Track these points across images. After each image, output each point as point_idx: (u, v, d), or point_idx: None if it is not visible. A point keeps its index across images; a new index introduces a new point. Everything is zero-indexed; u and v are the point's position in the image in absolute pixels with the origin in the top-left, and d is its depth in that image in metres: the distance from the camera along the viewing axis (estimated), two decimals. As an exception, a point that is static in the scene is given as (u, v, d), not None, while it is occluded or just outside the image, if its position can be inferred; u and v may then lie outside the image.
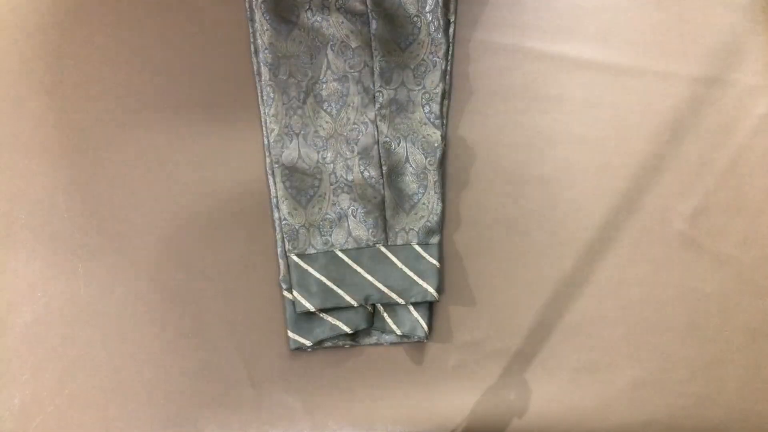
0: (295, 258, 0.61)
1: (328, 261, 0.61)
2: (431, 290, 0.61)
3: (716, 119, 0.65)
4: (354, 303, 0.60)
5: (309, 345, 0.60)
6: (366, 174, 0.62)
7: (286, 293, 0.61)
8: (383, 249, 0.62)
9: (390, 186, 0.62)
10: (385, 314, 0.62)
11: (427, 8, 0.64)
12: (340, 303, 0.60)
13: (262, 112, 0.64)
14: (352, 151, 0.63)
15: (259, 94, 0.64)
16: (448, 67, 0.65)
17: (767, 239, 0.64)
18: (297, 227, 0.62)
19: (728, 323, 0.62)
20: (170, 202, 0.62)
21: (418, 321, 0.61)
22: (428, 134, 0.64)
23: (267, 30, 0.63)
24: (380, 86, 0.63)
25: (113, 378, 0.60)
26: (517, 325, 0.62)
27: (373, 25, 0.63)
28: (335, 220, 0.62)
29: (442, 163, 0.64)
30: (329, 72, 0.64)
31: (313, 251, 0.61)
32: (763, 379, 0.62)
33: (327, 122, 0.63)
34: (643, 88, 0.65)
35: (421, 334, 0.61)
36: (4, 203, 0.62)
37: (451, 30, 0.65)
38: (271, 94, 0.63)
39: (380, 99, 0.63)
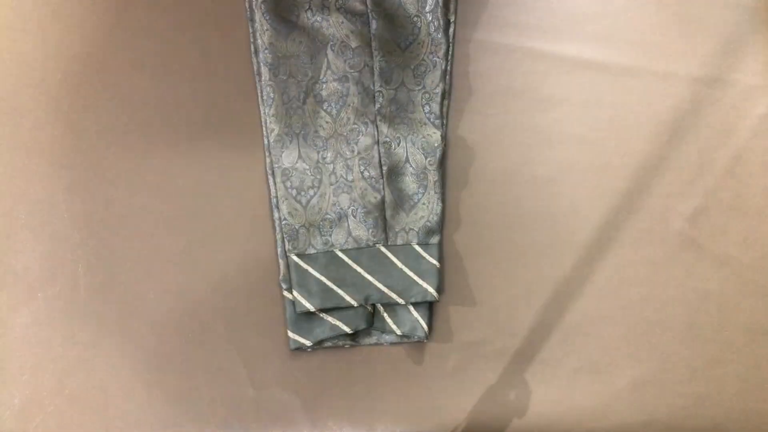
0: (295, 258, 0.61)
1: (328, 261, 0.61)
2: (431, 290, 0.61)
3: (716, 119, 0.65)
4: (354, 303, 0.60)
5: (309, 345, 0.60)
6: (366, 174, 0.62)
7: (286, 293, 0.61)
8: (383, 249, 0.62)
9: (390, 186, 0.62)
10: (385, 314, 0.62)
11: (427, 8, 0.64)
12: (340, 303, 0.60)
13: (262, 112, 0.64)
14: (352, 151, 0.63)
15: (259, 94, 0.64)
16: (448, 67, 0.65)
17: (767, 239, 0.64)
18: (297, 227, 0.62)
19: (728, 323, 0.62)
20: (170, 202, 0.62)
21: (418, 321, 0.61)
22: (428, 134, 0.64)
23: (267, 30, 0.63)
24: (380, 86, 0.63)
25: (113, 378, 0.60)
26: (517, 325, 0.62)
27: (373, 25, 0.63)
28: (335, 220, 0.62)
29: (442, 163, 0.64)
30: (329, 72, 0.64)
31: (313, 251, 0.61)
32: (763, 379, 0.62)
33: (327, 122, 0.63)
34: (643, 88, 0.65)
35: (421, 334, 0.61)
36: (4, 203, 0.62)
37: (451, 30, 0.65)
38: (271, 94, 0.63)
39: (380, 99, 0.63)
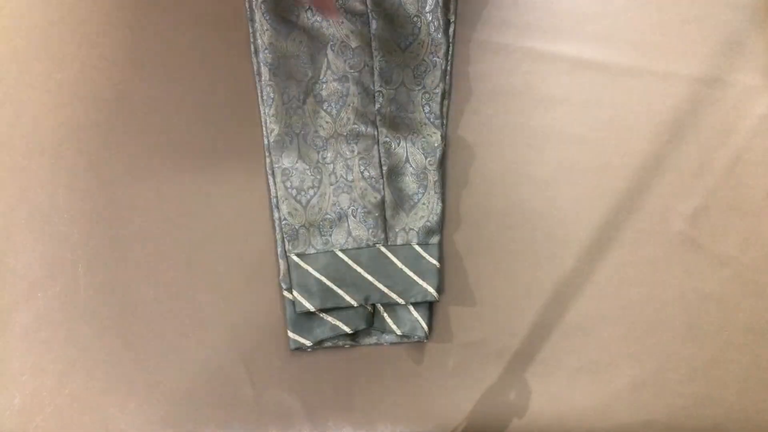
0: (295, 258, 0.61)
1: (328, 261, 0.61)
2: (431, 290, 0.61)
3: (716, 119, 0.65)
4: (354, 303, 0.60)
5: (309, 345, 0.60)
6: (366, 174, 0.62)
7: (286, 293, 0.61)
8: (383, 249, 0.62)
9: (390, 186, 0.62)
10: (385, 314, 0.62)
11: (427, 8, 0.64)
12: (340, 303, 0.60)
13: (262, 112, 0.64)
14: (352, 151, 0.63)
15: (259, 94, 0.64)
16: (448, 67, 0.65)
17: (767, 239, 0.64)
18: (297, 227, 0.62)
19: (728, 323, 0.62)
20: (170, 201, 0.62)
21: (418, 321, 0.61)
22: (428, 134, 0.64)
23: (267, 30, 0.63)
24: (380, 86, 0.63)
25: (113, 378, 0.60)
26: (517, 325, 0.62)
27: (373, 25, 0.63)
28: (335, 220, 0.62)
29: (442, 163, 0.64)
30: (329, 72, 0.64)
31: (313, 251, 0.62)
32: (763, 379, 0.62)
33: (327, 122, 0.63)
34: (643, 88, 0.65)
35: (421, 334, 0.61)
36: (4, 203, 0.62)
37: (451, 30, 0.65)
38: (271, 94, 0.63)
39: (380, 99, 0.63)
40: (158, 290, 0.61)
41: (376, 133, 0.63)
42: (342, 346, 0.62)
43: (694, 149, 0.65)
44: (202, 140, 0.63)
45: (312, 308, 0.60)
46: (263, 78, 0.63)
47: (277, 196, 0.62)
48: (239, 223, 0.63)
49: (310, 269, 0.61)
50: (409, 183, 0.63)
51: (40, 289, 0.61)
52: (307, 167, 0.63)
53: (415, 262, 0.61)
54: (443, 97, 0.64)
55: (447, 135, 0.65)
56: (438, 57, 0.64)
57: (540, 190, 0.64)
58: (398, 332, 0.61)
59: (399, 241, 0.62)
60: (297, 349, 0.61)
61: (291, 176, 0.62)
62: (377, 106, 0.63)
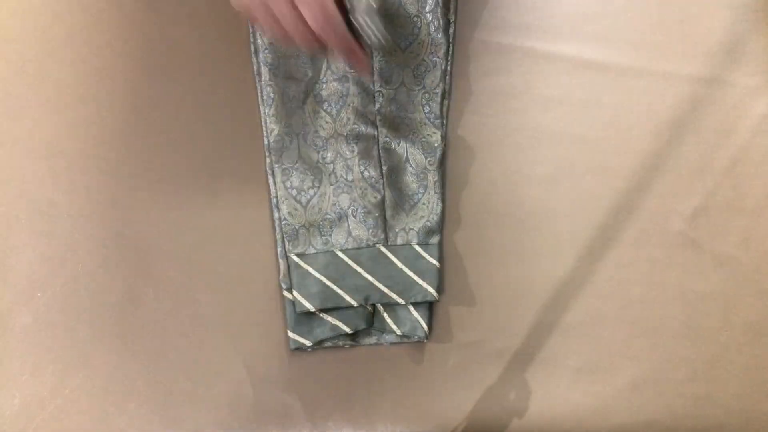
0: (295, 258, 0.61)
1: (328, 261, 0.61)
2: (431, 290, 0.61)
3: (716, 119, 0.65)
4: (354, 303, 0.60)
5: (309, 345, 0.60)
6: (366, 174, 0.62)
7: (286, 293, 0.61)
8: (383, 249, 0.62)
9: (390, 186, 0.62)
10: (385, 314, 0.62)
11: (427, 8, 0.64)
12: (340, 303, 0.60)
13: (262, 112, 0.64)
14: (352, 151, 0.63)
15: (259, 94, 0.64)
16: (448, 67, 0.65)
17: (767, 239, 0.64)
18: (297, 227, 0.62)
19: (728, 323, 0.62)
20: (170, 201, 0.62)
21: (418, 321, 0.61)
22: (428, 134, 0.64)
23: (267, 30, 0.63)
24: (380, 86, 0.63)
25: (113, 378, 0.60)
26: (517, 325, 0.62)
27: (373, 25, 0.63)
28: (335, 220, 0.62)
29: (442, 163, 0.64)
30: (329, 72, 0.64)
31: (313, 251, 0.62)
32: (763, 379, 0.62)
33: (327, 122, 0.63)
34: (643, 88, 0.65)
35: (421, 334, 0.61)
36: (4, 203, 0.62)
37: (451, 30, 0.65)
38: (271, 94, 0.63)
39: (380, 99, 0.63)
40: (158, 290, 0.61)
41: (376, 133, 0.63)
42: (342, 346, 0.62)
43: (694, 149, 0.65)
44: (202, 140, 0.63)
45: (312, 308, 0.60)
46: (263, 78, 0.63)
47: (277, 196, 0.62)
48: (239, 223, 0.63)
49: (310, 269, 0.61)
50: (409, 183, 0.63)
51: (40, 289, 0.61)
52: (307, 167, 0.63)
53: (415, 262, 0.61)
54: (443, 97, 0.65)
55: (447, 135, 0.65)
56: (438, 57, 0.64)
57: (540, 190, 0.64)
58: (398, 332, 0.61)
59: (399, 241, 0.62)
60: (297, 349, 0.61)
61: (291, 176, 0.62)
62: (377, 106, 0.63)
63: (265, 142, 0.63)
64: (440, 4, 0.64)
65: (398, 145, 0.63)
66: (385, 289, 0.61)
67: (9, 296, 0.60)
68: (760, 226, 0.64)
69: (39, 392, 0.59)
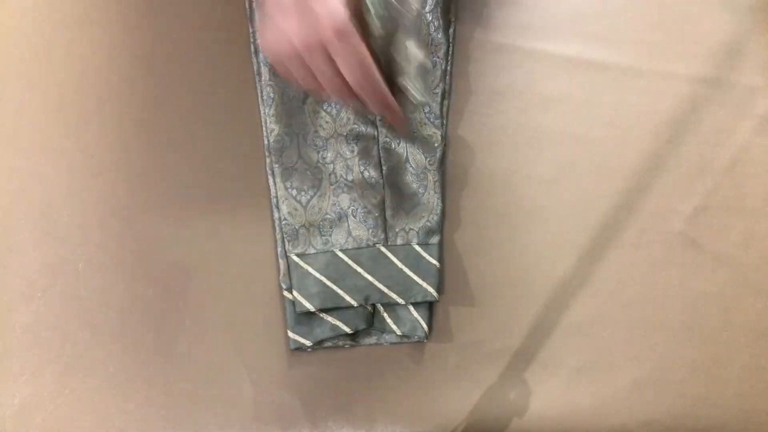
0: (295, 258, 0.61)
1: (328, 261, 0.61)
2: (431, 290, 0.61)
3: (716, 119, 0.65)
4: (354, 303, 0.60)
5: (309, 345, 0.60)
6: (366, 174, 0.62)
7: (286, 293, 0.61)
8: (383, 249, 0.62)
9: (390, 186, 0.62)
10: (385, 314, 0.62)
11: (427, 8, 0.64)
12: (340, 303, 0.60)
13: (262, 112, 0.64)
14: (352, 151, 0.63)
15: (259, 94, 0.64)
16: (448, 67, 0.65)
17: (767, 239, 0.64)
18: (297, 227, 0.62)
19: (728, 323, 0.62)
20: (170, 201, 0.62)
21: (418, 321, 0.61)
22: (428, 134, 0.64)
23: (267, 30, 0.63)
24: (380, 86, 0.63)
25: (113, 378, 0.60)
26: (517, 325, 0.62)
27: (373, 25, 0.63)
28: (335, 220, 0.62)
29: (442, 163, 0.64)
30: (329, 72, 0.64)
31: (313, 251, 0.61)
32: (763, 379, 0.62)
33: (327, 122, 0.63)
34: (643, 88, 0.65)
35: (421, 334, 0.61)
36: (4, 203, 0.62)
37: (451, 30, 0.65)
38: (271, 94, 0.63)
39: (380, 99, 0.63)
40: (158, 290, 0.61)
41: (376, 133, 0.63)
42: (342, 346, 0.62)
43: (694, 149, 0.65)
44: (202, 140, 0.63)
45: (312, 308, 0.60)
46: (263, 78, 0.63)
47: (277, 196, 0.62)
48: (239, 223, 0.63)
49: (310, 269, 0.61)
50: (409, 183, 0.63)
51: (40, 289, 0.61)
52: (307, 167, 0.63)
53: (415, 262, 0.61)
54: (443, 97, 0.64)
55: (447, 135, 0.65)
56: (438, 57, 0.64)
57: (540, 190, 0.64)
58: (398, 332, 0.61)
59: (399, 241, 0.62)
60: (297, 349, 0.61)
61: (291, 176, 0.62)
62: (377, 106, 0.63)
63: (265, 142, 0.63)
64: (440, 4, 0.64)
65: (398, 145, 0.63)
66: (385, 289, 0.61)
67: (9, 296, 0.60)
68: (760, 226, 0.64)
69: (39, 392, 0.59)
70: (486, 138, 0.65)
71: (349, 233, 0.62)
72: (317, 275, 0.61)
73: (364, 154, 0.62)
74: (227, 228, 0.62)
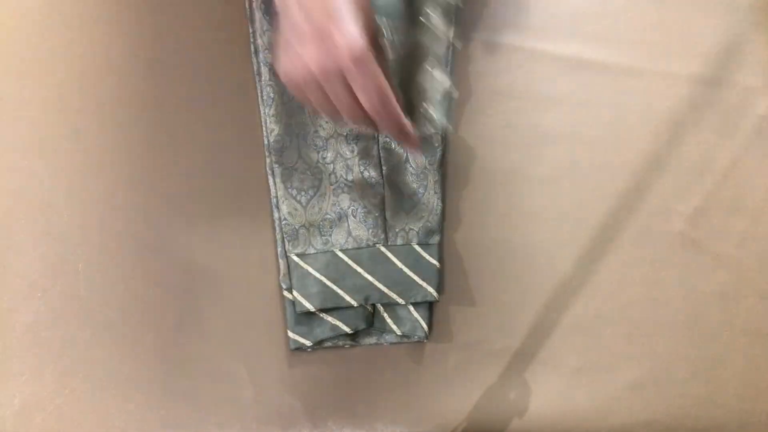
0: (295, 258, 0.61)
1: (328, 261, 0.61)
2: (431, 290, 0.61)
3: (716, 119, 0.65)
4: (354, 303, 0.60)
5: (309, 345, 0.60)
6: (366, 174, 0.62)
7: (286, 293, 0.61)
8: (383, 249, 0.62)
9: (390, 186, 0.62)
10: (385, 314, 0.62)
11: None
12: (340, 303, 0.60)
13: (262, 112, 0.64)
14: (352, 151, 0.63)
15: (259, 94, 0.64)
16: (449, 68, 0.65)
17: (767, 239, 0.64)
18: (297, 227, 0.62)
19: (728, 323, 0.62)
20: (170, 201, 0.62)
21: (418, 321, 0.61)
22: (428, 134, 0.63)
23: (267, 30, 0.63)
24: (380, 86, 0.63)
25: (113, 378, 0.60)
26: (517, 325, 0.62)
27: (373, 25, 0.63)
28: (335, 220, 0.62)
29: (442, 163, 0.64)
30: (329, 72, 0.64)
31: (313, 251, 0.62)
32: (763, 379, 0.62)
33: (327, 122, 0.63)
34: (643, 88, 0.65)
35: (421, 334, 0.61)
36: (4, 203, 0.62)
37: (451, 30, 0.65)
38: (271, 94, 0.63)
39: (380, 99, 0.63)
40: (158, 290, 0.61)
41: (376, 133, 0.63)
42: (342, 346, 0.62)
43: (694, 149, 0.65)
44: (202, 140, 0.63)
45: (312, 308, 0.60)
46: (263, 78, 0.63)
47: (277, 196, 0.62)
48: (239, 223, 0.63)
49: (310, 269, 0.61)
50: (409, 183, 0.63)
51: (40, 289, 0.61)
52: (307, 167, 0.63)
53: (415, 262, 0.61)
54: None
55: (447, 135, 0.65)
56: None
57: (540, 190, 0.64)
58: (398, 332, 0.61)
59: (399, 241, 0.62)
60: (297, 349, 0.61)
61: (291, 176, 0.62)
62: (377, 106, 0.63)
63: (265, 142, 0.63)
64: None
65: (398, 145, 0.63)
66: (385, 289, 0.61)
67: (9, 296, 0.60)
68: (760, 226, 0.64)
69: (39, 392, 0.59)
70: (486, 138, 0.65)
71: (349, 233, 0.62)
72: (317, 275, 0.61)
73: (364, 154, 0.62)
74: (227, 228, 0.62)
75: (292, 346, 0.61)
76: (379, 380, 0.61)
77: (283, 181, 0.62)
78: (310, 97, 0.46)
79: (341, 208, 0.62)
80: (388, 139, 0.63)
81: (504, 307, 0.62)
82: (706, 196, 0.64)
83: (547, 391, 0.61)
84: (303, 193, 0.62)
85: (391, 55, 0.48)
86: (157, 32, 0.65)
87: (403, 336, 0.61)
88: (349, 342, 0.62)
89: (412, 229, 0.62)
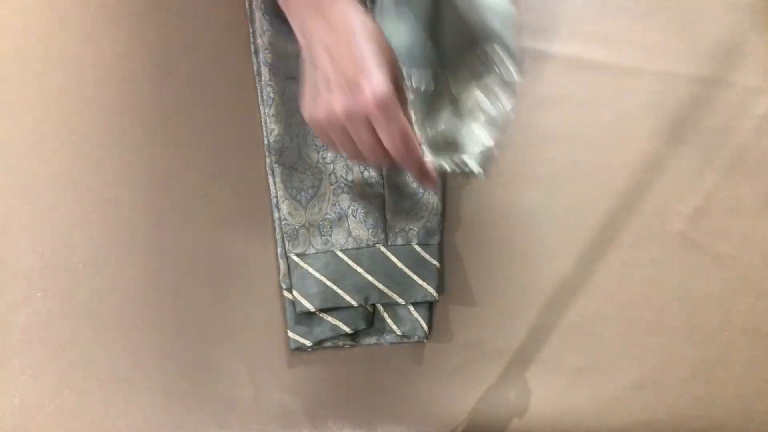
0: (295, 258, 0.61)
1: (328, 261, 0.61)
2: (431, 290, 0.61)
3: (716, 119, 0.65)
4: (354, 303, 0.60)
5: (309, 345, 0.60)
6: (366, 174, 0.62)
7: (286, 293, 0.61)
8: (383, 249, 0.62)
9: (390, 186, 0.62)
10: (385, 314, 0.62)
11: (427, 8, 0.64)
12: (340, 303, 0.60)
13: (262, 112, 0.64)
14: (352, 151, 0.63)
15: (259, 94, 0.64)
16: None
17: (767, 239, 0.64)
18: (297, 227, 0.62)
19: (728, 323, 0.62)
20: (170, 201, 0.62)
21: (418, 321, 0.61)
22: (428, 134, 0.64)
23: (267, 30, 0.63)
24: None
25: (113, 378, 0.60)
26: (517, 325, 0.62)
27: (373, 25, 0.63)
28: (335, 220, 0.62)
29: (442, 163, 0.64)
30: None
31: (313, 251, 0.62)
32: (763, 379, 0.62)
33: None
34: (643, 88, 0.65)
35: (421, 334, 0.61)
36: (4, 203, 0.62)
37: (451, 30, 0.65)
38: (271, 94, 0.63)
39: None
40: (158, 290, 0.61)
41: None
42: (342, 346, 0.62)
43: (694, 149, 0.65)
44: (202, 140, 0.63)
45: (312, 308, 0.60)
46: (263, 78, 0.63)
47: (277, 196, 0.62)
48: (239, 223, 0.63)
49: (310, 269, 0.61)
50: (409, 183, 0.63)
51: (40, 289, 0.61)
52: (307, 167, 0.63)
53: (415, 262, 0.61)
54: (443, 97, 0.64)
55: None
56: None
57: (540, 190, 0.64)
58: (398, 332, 0.61)
59: (399, 241, 0.62)
60: (297, 349, 0.61)
61: (291, 176, 0.62)
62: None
63: (265, 142, 0.63)
64: (440, 4, 0.64)
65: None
66: (385, 289, 0.61)
67: (9, 296, 0.60)
68: (760, 226, 0.64)
69: (39, 392, 0.59)
70: (486, 138, 0.65)
71: (349, 233, 0.62)
72: (317, 275, 0.61)
73: (364, 154, 0.62)
74: (227, 228, 0.62)
75: (292, 346, 0.61)
76: (379, 380, 0.61)
77: (283, 181, 0.62)
78: (333, 137, 0.47)
79: (341, 208, 0.62)
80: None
81: (504, 307, 0.62)
82: (706, 196, 0.64)
83: (547, 391, 0.61)
84: (303, 193, 0.62)
85: (410, 96, 0.50)
86: (157, 32, 0.65)
87: (403, 336, 0.61)
88: (349, 342, 0.62)
89: (412, 229, 0.62)
